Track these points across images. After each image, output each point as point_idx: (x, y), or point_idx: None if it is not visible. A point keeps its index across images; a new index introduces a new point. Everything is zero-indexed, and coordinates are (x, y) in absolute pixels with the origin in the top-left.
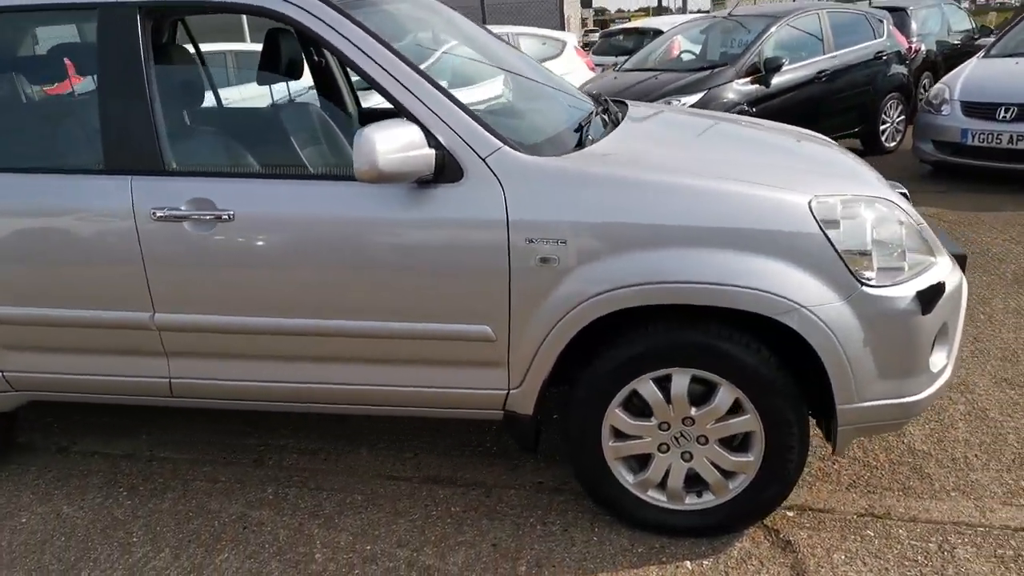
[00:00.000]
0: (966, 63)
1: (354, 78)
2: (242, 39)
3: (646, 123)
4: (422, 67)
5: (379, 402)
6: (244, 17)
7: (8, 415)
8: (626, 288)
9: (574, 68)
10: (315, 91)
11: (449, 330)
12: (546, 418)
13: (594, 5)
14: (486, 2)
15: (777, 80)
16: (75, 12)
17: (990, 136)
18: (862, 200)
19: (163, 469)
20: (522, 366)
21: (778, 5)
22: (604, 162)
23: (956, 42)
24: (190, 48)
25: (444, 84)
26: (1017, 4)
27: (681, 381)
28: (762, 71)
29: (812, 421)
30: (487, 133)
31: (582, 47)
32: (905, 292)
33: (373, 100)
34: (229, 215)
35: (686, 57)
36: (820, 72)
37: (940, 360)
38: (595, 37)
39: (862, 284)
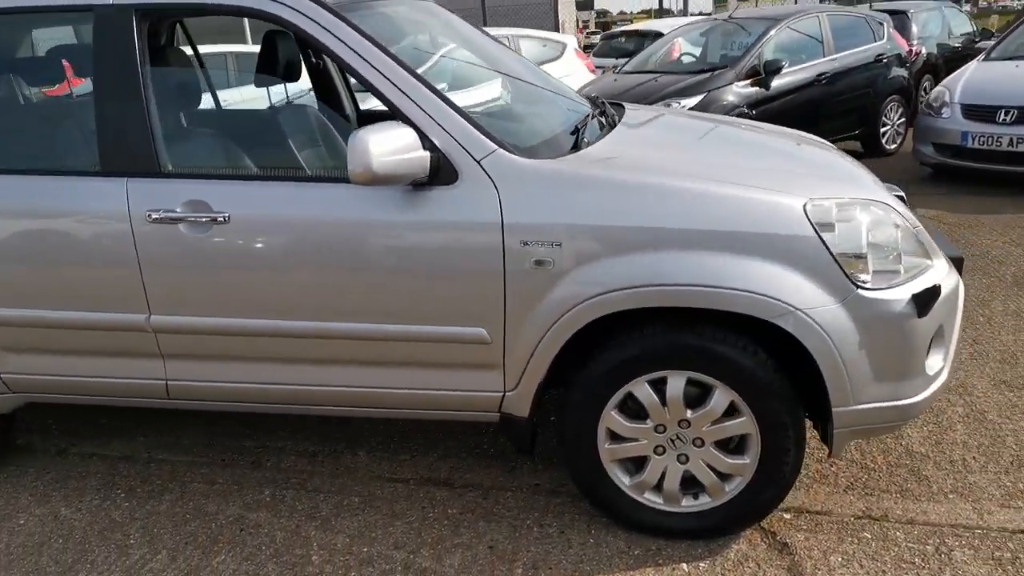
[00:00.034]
0: (966, 66)
1: (352, 80)
2: (244, 41)
3: (642, 126)
4: (419, 70)
5: (376, 404)
6: (245, 19)
7: (6, 417)
8: (621, 291)
9: (574, 70)
10: (313, 93)
11: (444, 332)
12: (544, 420)
13: (596, 7)
14: (468, 6)
15: (777, 83)
16: (71, 14)
17: (990, 139)
18: (857, 203)
19: (161, 471)
20: (517, 368)
21: (778, 8)
22: (599, 165)
23: (957, 45)
24: (188, 50)
25: (443, 86)
26: (1019, 7)
27: (676, 384)
28: (762, 74)
29: (809, 424)
30: (482, 136)
31: (584, 49)
32: (901, 295)
33: (372, 102)
34: (224, 217)
35: (686, 59)
36: (820, 75)
37: (936, 363)
38: (597, 39)
39: (857, 287)
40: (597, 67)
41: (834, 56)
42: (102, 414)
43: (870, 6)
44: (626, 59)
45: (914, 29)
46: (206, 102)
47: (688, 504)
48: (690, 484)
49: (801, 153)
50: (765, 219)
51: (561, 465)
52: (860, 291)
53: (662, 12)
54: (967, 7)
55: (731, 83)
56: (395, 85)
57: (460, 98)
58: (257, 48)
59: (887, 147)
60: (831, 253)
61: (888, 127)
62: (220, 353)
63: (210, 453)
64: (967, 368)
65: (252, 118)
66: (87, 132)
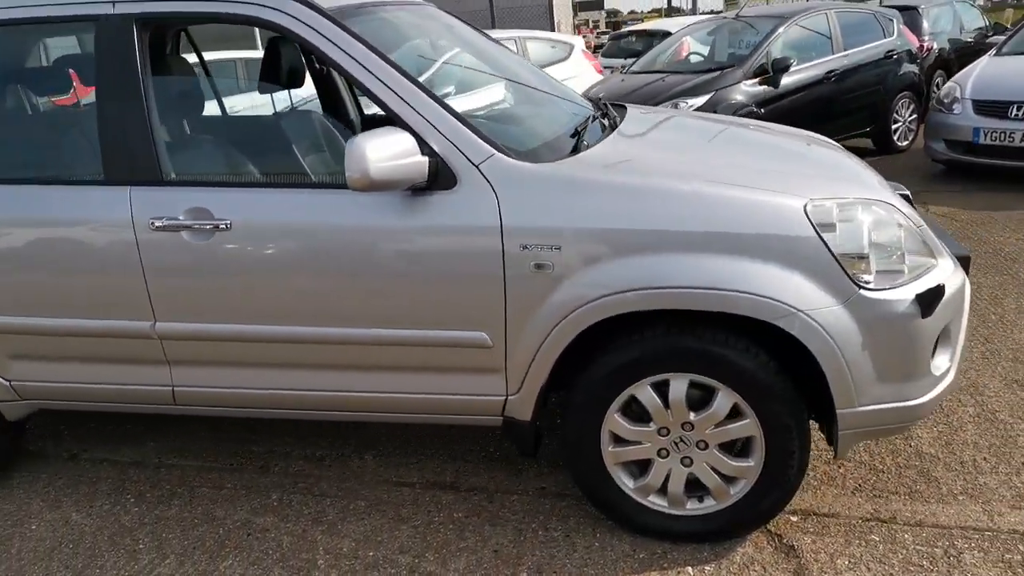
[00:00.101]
0: (977, 61)
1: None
2: (254, 47)
3: (644, 127)
4: (423, 75)
5: (379, 409)
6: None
7: (17, 423)
8: (621, 293)
9: (582, 71)
10: (317, 99)
11: (446, 337)
12: (550, 424)
13: (607, 7)
14: (472, 8)
15: (786, 81)
16: (74, 24)
17: (1002, 135)
18: (859, 203)
19: (170, 476)
20: (519, 372)
21: (787, 5)
22: (599, 167)
23: (969, 40)
24: (193, 57)
25: (449, 90)
26: None
27: (679, 386)
28: (770, 72)
29: (815, 425)
30: (480, 140)
31: (595, 49)
32: (904, 295)
33: (377, 107)
34: (227, 224)
35: (694, 59)
36: (829, 72)
37: (943, 363)
38: (606, 39)
39: (860, 287)
40: (605, 67)
41: (844, 53)
42: (113, 420)
43: (880, 2)
44: (634, 59)
45: (925, 25)
46: (211, 109)
47: (693, 507)
48: (695, 487)
49: (805, 153)
50: (765, 220)
51: (567, 468)
52: (863, 291)
53: (671, 11)
54: (980, 1)
55: (739, 82)
56: (393, 90)
57: (464, 102)
58: None
59: (899, 144)
60: (832, 254)
61: (900, 124)
62: (225, 359)
63: (219, 458)
64: (978, 367)
65: (255, 125)
66: (91, 141)
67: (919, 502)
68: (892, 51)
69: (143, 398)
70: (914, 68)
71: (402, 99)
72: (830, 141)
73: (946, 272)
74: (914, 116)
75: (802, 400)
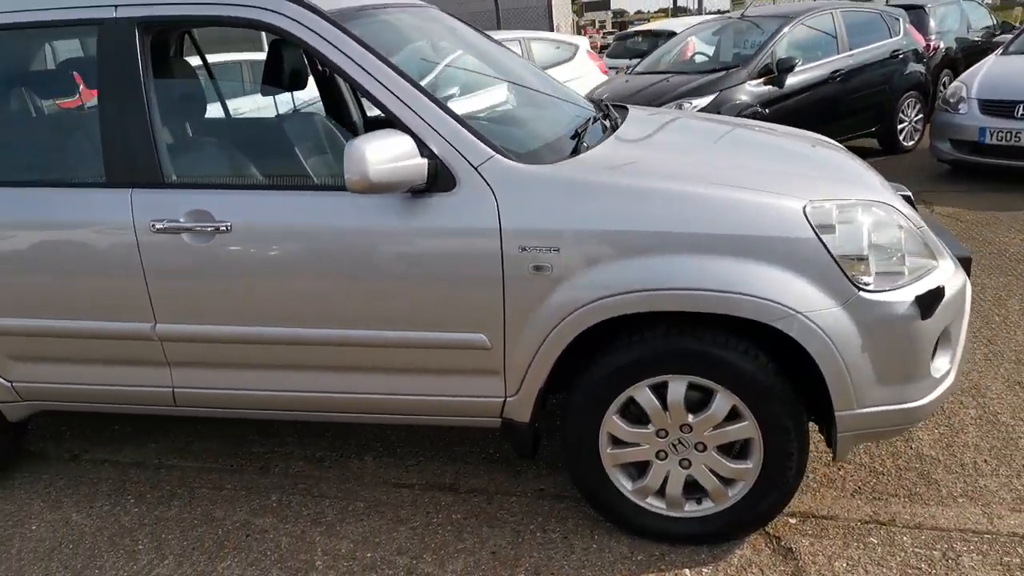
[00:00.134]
0: (984, 60)
1: None
2: (260, 49)
3: (645, 128)
4: (424, 77)
5: (377, 411)
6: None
7: (19, 424)
8: (619, 295)
9: (587, 71)
10: (320, 101)
11: (445, 339)
12: (550, 425)
13: (613, 7)
14: (472, 9)
15: (791, 81)
16: (77, 28)
17: (1008, 134)
18: (859, 204)
19: (171, 477)
20: (518, 374)
21: (793, 5)
22: (598, 169)
23: (977, 39)
24: (197, 60)
25: (454, 91)
26: None
27: (677, 388)
28: (775, 72)
29: (815, 427)
30: (479, 142)
31: (600, 49)
32: (904, 297)
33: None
34: (227, 226)
35: (698, 59)
36: (835, 72)
37: (943, 365)
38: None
39: (859, 289)
40: (610, 68)
41: (849, 53)
42: (115, 421)
43: (887, 2)
44: (638, 59)
45: (932, 24)
46: (213, 111)
47: (691, 509)
48: (693, 489)
49: (805, 154)
50: (763, 222)
51: (566, 470)
52: (862, 293)
53: (677, 11)
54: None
55: (743, 82)
56: (392, 92)
57: (466, 103)
58: None
59: (904, 144)
60: (831, 255)
61: (905, 124)
62: (225, 361)
63: (220, 459)
64: (981, 369)
65: (256, 127)
66: (94, 144)
67: (919, 504)
68: (898, 50)
69: (143, 399)
70: (920, 68)
71: (401, 101)
72: (832, 142)
73: (947, 273)
74: (920, 116)
75: (801, 402)
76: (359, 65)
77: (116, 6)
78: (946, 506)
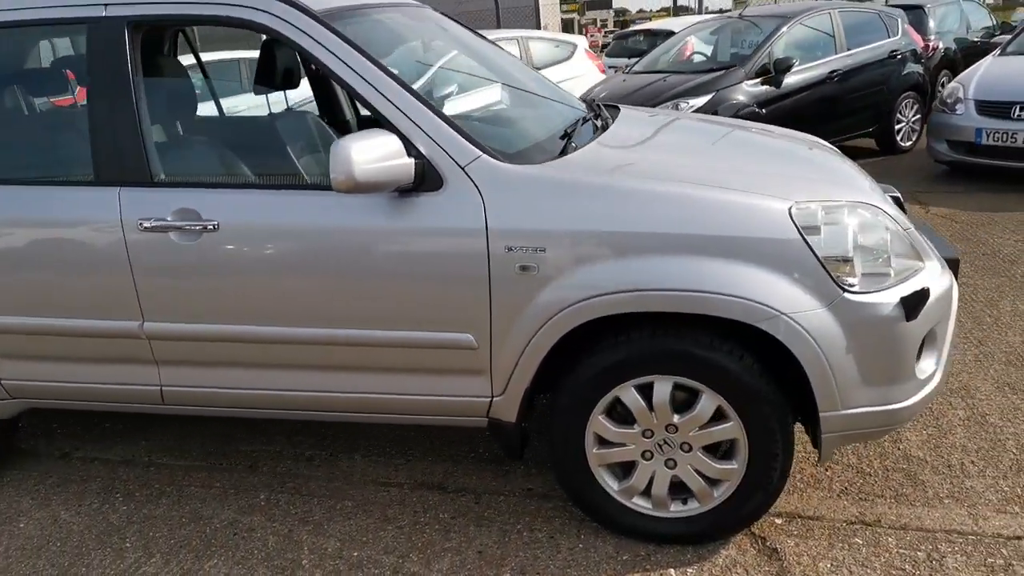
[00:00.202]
0: (981, 61)
1: None
2: (256, 47)
3: (635, 129)
4: (419, 78)
5: (364, 410)
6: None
7: (8, 422)
8: (605, 296)
9: (585, 71)
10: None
11: (431, 338)
12: (539, 425)
13: (615, 6)
14: (468, 8)
15: (788, 80)
16: (67, 27)
17: (1005, 135)
18: (845, 206)
19: (160, 475)
20: (504, 374)
21: (791, 5)
22: (585, 169)
23: (976, 39)
24: (191, 59)
25: (451, 90)
26: None
27: (663, 388)
28: (772, 72)
29: (800, 428)
30: (466, 142)
31: (601, 48)
32: (888, 298)
33: None
34: (214, 225)
35: (696, 58)
36: (832, 72)
37: (928, 366)
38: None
39: (844, 290)
40: (610, 67)
41: (847, 53)
42: (106, 419)
43: (886, 2)
44: (637, 59)
45: (931, 24)
46: (204, 110)
47: (677, 509)
48: (679, 489)
49: (794, 155)
50: (749, 223)
51: (552, 469)
52: (847, 294)
53: (678, 10)
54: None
55: (741, 82)
56: (379, 92)
57: (457, 103)
58: None
59: (902, 144)
60: (816, 256)
61: (903, 124)
62: (212, 359)
63: (208, 457)
64: (971, 370)
65: (246, 126)
66: (83, 142)
67: (904, 505)
68: (896, 51)
69: (132, 398)
70: (918, 68)
71: (388, 101)
72: (822, 143)
73: (933, 275)
74: (918, 116)
75: (787, 403)
76: (347, 64)
77: (106, 5)
78: (932, 507)
